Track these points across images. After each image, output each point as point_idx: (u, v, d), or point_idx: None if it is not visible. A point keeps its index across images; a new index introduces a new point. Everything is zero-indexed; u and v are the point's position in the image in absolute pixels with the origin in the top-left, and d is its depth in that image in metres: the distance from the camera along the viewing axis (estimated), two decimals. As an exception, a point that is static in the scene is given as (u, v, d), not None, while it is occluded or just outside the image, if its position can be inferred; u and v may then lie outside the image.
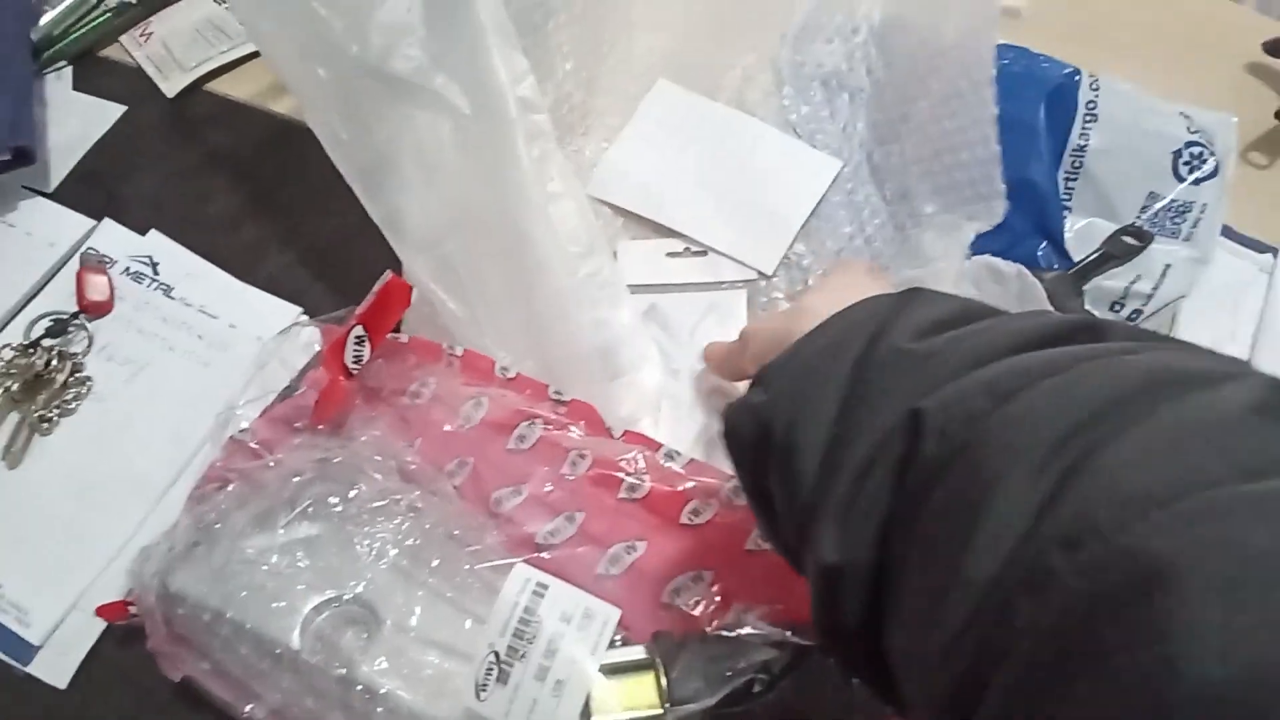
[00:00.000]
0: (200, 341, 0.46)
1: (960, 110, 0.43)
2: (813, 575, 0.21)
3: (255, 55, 0.56)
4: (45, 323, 0.46)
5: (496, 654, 0.27)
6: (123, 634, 0.37)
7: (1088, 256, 0.44)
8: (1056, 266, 0.44)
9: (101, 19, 0.57)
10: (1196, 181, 0.44)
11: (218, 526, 0.35)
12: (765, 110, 0.49)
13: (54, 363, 0.45)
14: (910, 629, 0.19)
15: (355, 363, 0.38)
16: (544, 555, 0.33)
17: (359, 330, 0.38)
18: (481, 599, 0.31)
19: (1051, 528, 0.15)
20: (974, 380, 0.19)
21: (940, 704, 0.17)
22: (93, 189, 0.52)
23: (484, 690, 0.27)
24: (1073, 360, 0.18)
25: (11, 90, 0.51)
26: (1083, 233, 0.45)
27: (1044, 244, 0.45)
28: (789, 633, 0.28)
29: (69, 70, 0.56)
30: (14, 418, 0.43)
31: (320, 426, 0.38)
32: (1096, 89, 0.45)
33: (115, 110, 0.55)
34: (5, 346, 0.45)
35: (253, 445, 0.38)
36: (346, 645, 0.31)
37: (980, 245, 0.43)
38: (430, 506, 0.35)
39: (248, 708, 0.32)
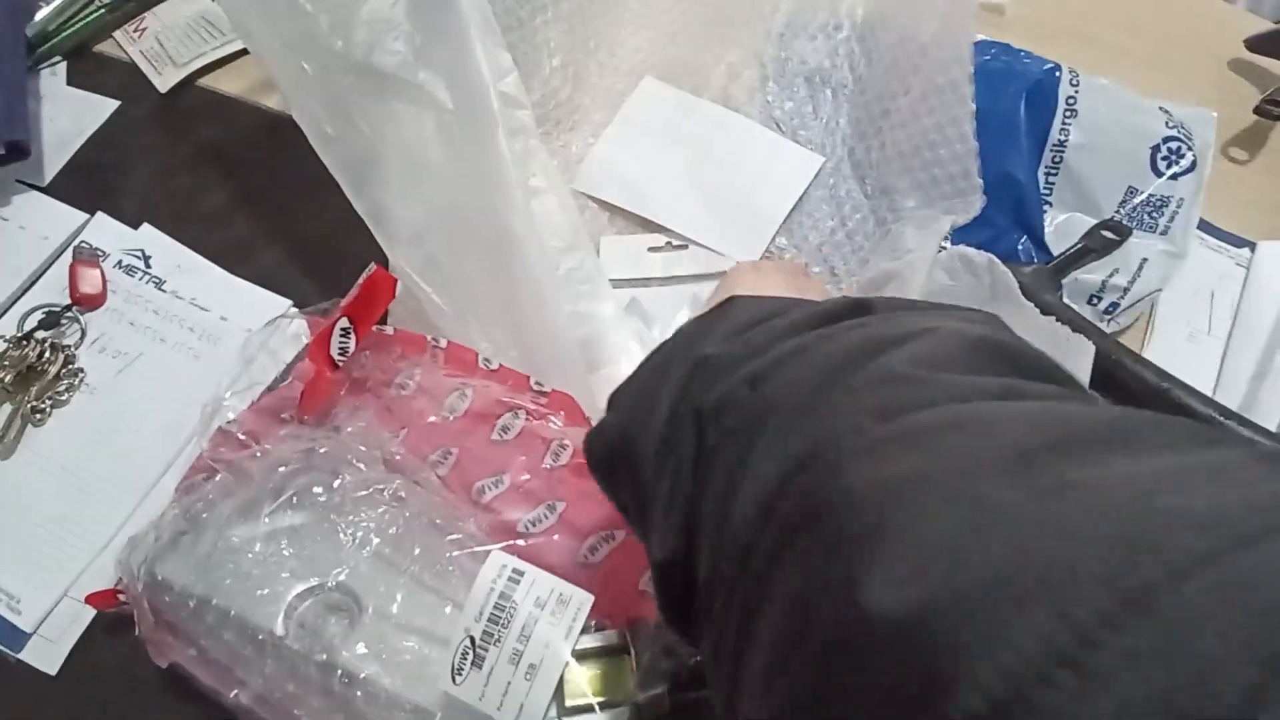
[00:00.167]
0: (191, 334, 0.47)
1: (939, 107, 0.43)
2: (653, 571, 0.23)
3: (247, 51, 0.56)
4: (38, 315, 0.47)
5: (472, 638, 0.28)
6: (112, 622, 0.38)
7: (1066, 250, 0.44)
8: (1036, 260, 0.45)
9: (95, 14, 0.58)
10: (1174, 176, 0.45)
11: (204, 516, 0.35)
12: (750, 106, 0.49)
13: (47, 354, 0.45)
14: (699, 601, 0.20)
15: (341, 354, 0.38)
16: (524, 543, 0.34)
17: (344, 322, 0.38)
18: (461, 586, 0.32)
19: (781, 482, 0.17)
20: (742, 374, 0.21)
21: (709, 662, 0.19)
22: (86, 183, 0.52)
23: (459, 674, 0.28)
24: (812, 342, 0.20)
25: (6, 85, 0.52)
26: (1062, 227, 0.45)
27: (1024, 238, 0.45)
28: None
29: (63, 65, 0.57)
30: (7, 409, 0.44)
31: (306, 417, 0.38)
32: (1076, 85, 0.46)
33: (109, 105, 0.55)
34: (-2, 338, 0.46)
35: (240, 436, 0.38)
36: (329, 632, 0.32)
37: (960, 239, 0.44)
38: (413, 496, 0.36)
39: (232, 693, 0.33)
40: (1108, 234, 0.45)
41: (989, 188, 0.44)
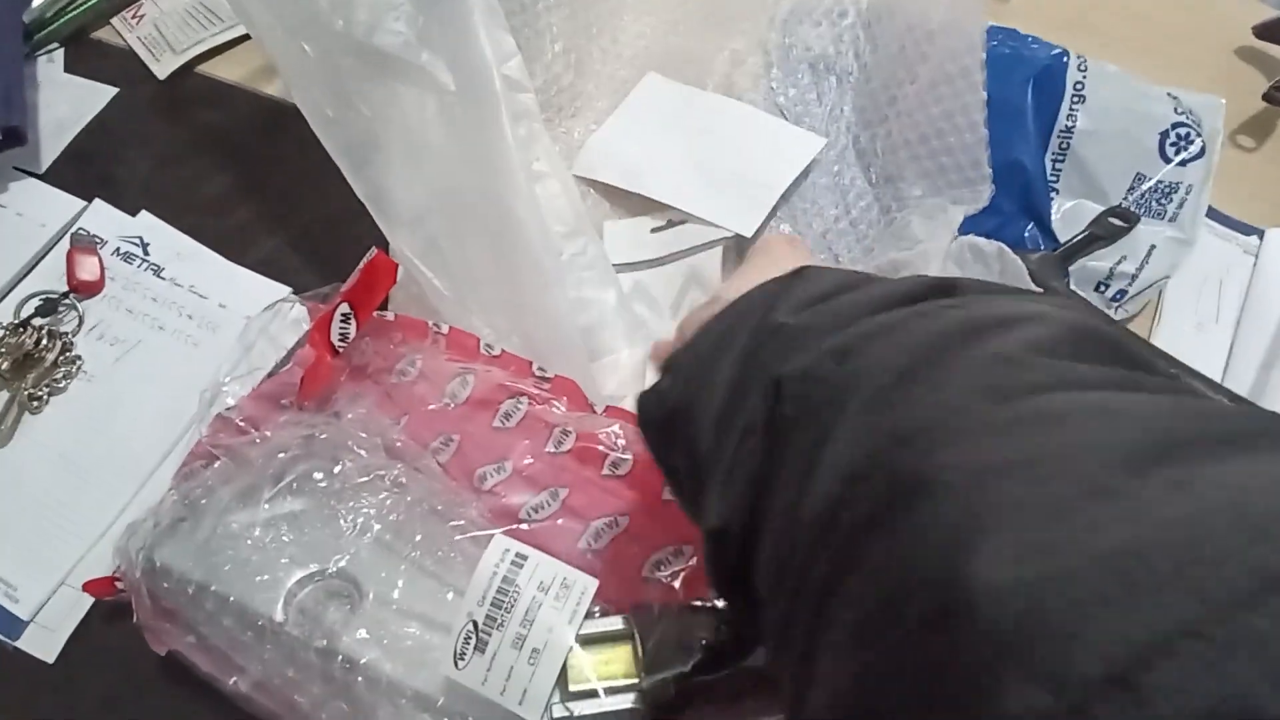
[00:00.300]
0: (190, 321, 0.47)
1: (948, 95, 0.43)
2: (704, 538, 0.23)
3: (246, 38, 0.56)
4: (36, 302, 0.46)
5: (475, 623, 0.28)
6: (110, 609, 0.37)
7: (1074, 237, 0.44)
8: (1043, 247, 0.45)
9: (93, 1, 0.57)
10: (1183, 163, 0.44)
11: (203, 502, 0.35)
12: (754, 93, 0.49)
13: (44, 342, 0.45)
14: (765, 573, 0.20)
15: (341, 340, 0.38)
16: (526, 529, 0.33)
17: (344, 308, 0.38)
18: (463, 572, 0.31)
19: (871, 457, 0.17)
20: (826, 346, 0.20)
21: (776, 635, 0.19)
22: (84, 170, 0.52)
23: (462, 659, 0.27)
24: (903, 320, 0.20)
25: (3, 72, 0.51)
26: (1070, 214, 0.45)
27: (1031, 225, 0.45)
28: (766, 603, 0.29)
29: (60, 52, 0.56)
30: (4, 396, 0.43)
31: (306, 404, 0.38)
32: (1084, 71, 0.45)
33: (107, 92, 0.55)
34: (-5, 326, 0.45)
35: (239, 422, 0.38)
36: (329, 618, 0.32)
37: (968, 227, 0.43)
38: (414, 482, 0.35)
39: (232, 680, 0.33)
40: (1115, 221, 0.44)
41: (996, 175, 0.44)
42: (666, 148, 0.48)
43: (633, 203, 0.47)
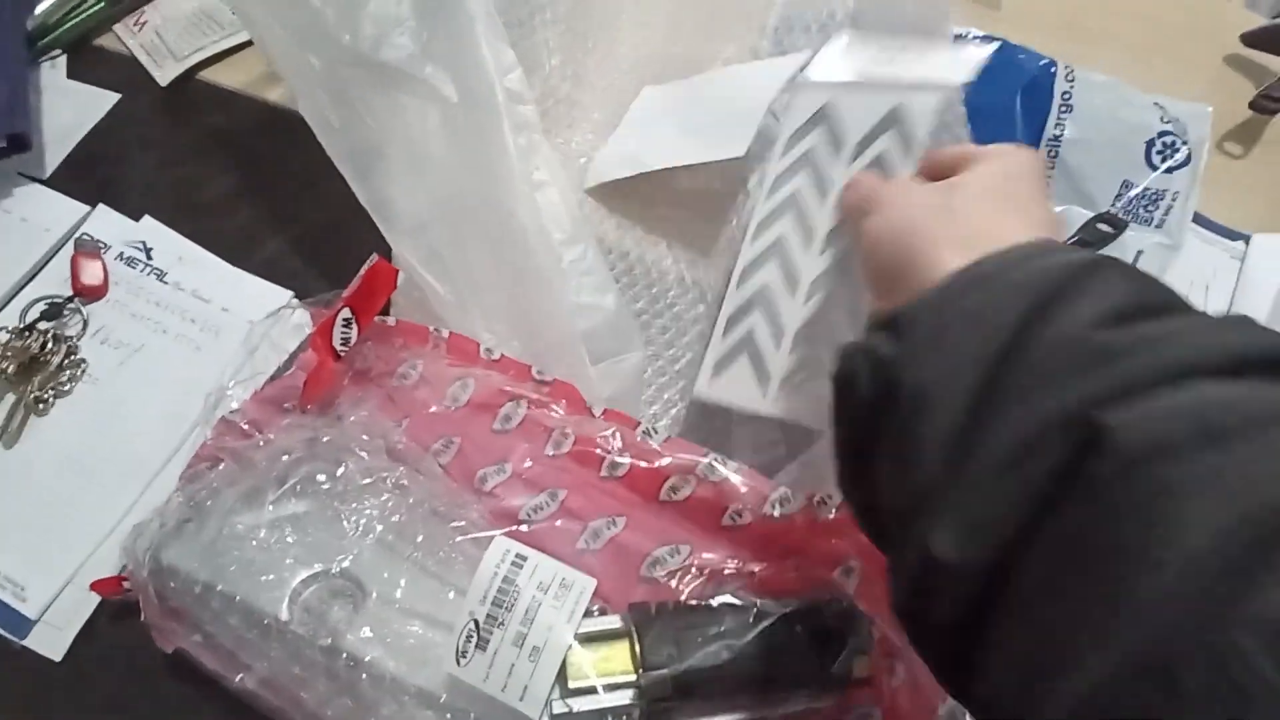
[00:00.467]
0: (193, 325, 0.47)
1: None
2: (908, 562, 0.20)
3: (247, 44, 0.57)
4: (41, 306, 0.47)
5: (476, 622, 0.28)
6: (117, 608, 0.38)
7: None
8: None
9: (96, 8, 0.58)
10: (1169, 170, 0.45)
11: (209, 504, 0.36)
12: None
13: (49, 345, 0.46)
14: (1028, 653, 0.17)
15: (343, 344, 0.39)
16: (526, 529, 0.34)
17: (346, 313, 0.38)
18: (464, 572, 0.32)
19: (1241, 615, 0.14)
20: (1173, 404, 0.16)
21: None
22: (87, 176, 0.52)
23: (464, 656, 0.28)
24: None
25: (7, 78, 0.52)
26: (1059, 220, 0.46)
27: (1021, 232, 0.46)
28: (759, 601, 0.29)
29: (63, 59, 0.57)
30: (10, 399, 0.44)
31: (309, 407, 0.38)
32: (1072, 80, 0.46)
33: (109, 98, 0.55)
34: (1, 329, 0.46)
35: (243, 425, 0.38)
36: (333, 617, 0.32)
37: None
38: (416, 484, 0.36)
39: (238, 677, 0.33)
40: (1103, 227, 0.45)
41: (986, 181, 0.44)
42: (676, 127, 0.47)
43: (630, 205, 0.48)
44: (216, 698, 0.34)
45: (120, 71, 0.56)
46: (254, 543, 0.34)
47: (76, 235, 0.50)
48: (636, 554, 0.34)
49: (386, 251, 0.41)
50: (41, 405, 0.44)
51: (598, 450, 0.35)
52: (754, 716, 0.29)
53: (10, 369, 0.45)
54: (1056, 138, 0.46)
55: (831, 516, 0.32)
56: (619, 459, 0.34)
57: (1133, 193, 0.45)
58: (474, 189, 0.39)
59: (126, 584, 0.36)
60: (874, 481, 0.23)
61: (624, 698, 0.28)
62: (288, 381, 0.40)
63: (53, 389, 0.45)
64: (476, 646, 0.28)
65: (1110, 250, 0.45)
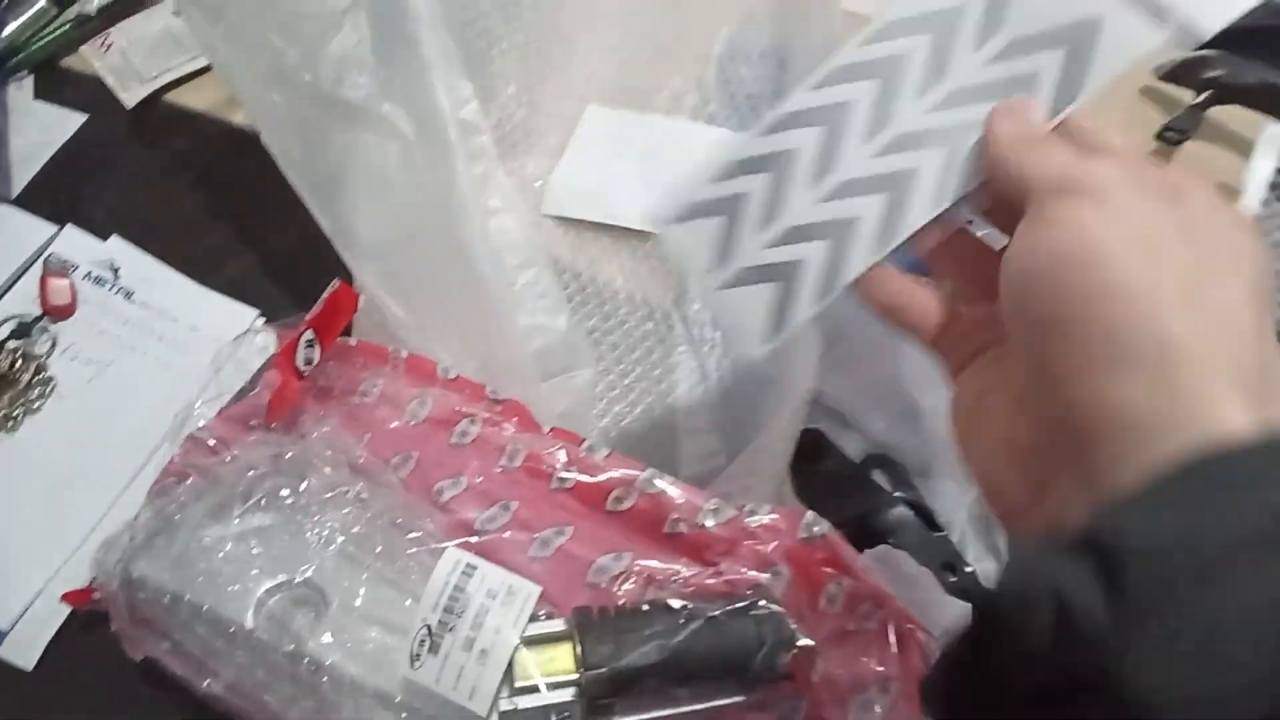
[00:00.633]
0: (161, 343, 0.49)
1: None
2: None
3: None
4: (10, 325, 0.48)
5: (429, 627, 0.31)
6: (87, 619, 0.40)
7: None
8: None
9: (62, 29, 0.59)
10: (1082, 199, 0.49)
11: (177, 518, 0.38)
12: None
13: (18, 364, 0.47)
14: None
15: (306, 364, 0.41)
16: (479, 539, 0.37)
17: (309, 334, 0.41)
18: (420, 581, 0.34)
19: None
20: None
21: None
22: (54, 196, 0.54)
23: (417, 659, 0.30)
24: None
25: (-27, 101, 0.53)
26: (987, 241, 0.49)
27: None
28: (691, 604, 0.32)
29: (30, 79, 0.58)
30: (-20, 416, 0.46)
31: (274, 424, 0.40)
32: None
33: (76, 119, 0.57)
34: (-30, 349, 0.47)
35: (210, 442, 0.40)
36: (296, 624, 0.34)
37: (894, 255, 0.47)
38: (376, 497, 0.38)
39: (205, 683, 0.35)
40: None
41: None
42: (623, 173, 0.51)
43: (584, 226, 0.51)
44: (184, 703, 0.36)
45: (87, 93, 0.58)
46: (221, 554, 0.36)
47: (44, 255, 0.51)
48: (583, 561, 0.36)
49: (348, 276, 0.44)
50: (10, 422, 0.46)
51: (544, 466, 0.37)
52: (687, 710, 0.32)
53: (-20, 387, 0.46)
54: None
55: (758, 525, 0.34)
56: (564, 474, 0.37)
57: (1049, 219, 0.49)
58: (431, 218, 0.41)
59: (97, 595, 0.38)
60: None
61: (566, 695, 0.30)
62: (253, 400, 0.42)
63: (22, 406, 0.46)
64: (429, 650, 0.30)
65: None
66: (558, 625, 0.32)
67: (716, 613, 0.32)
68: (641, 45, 0.52)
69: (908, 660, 0.33)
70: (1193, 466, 0.15)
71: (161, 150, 0.56)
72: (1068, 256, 0.20)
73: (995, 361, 0.26)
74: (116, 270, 0.52)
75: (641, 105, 0.53)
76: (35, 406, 0.47)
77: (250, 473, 0.38)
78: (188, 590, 0.35)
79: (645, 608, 0.32)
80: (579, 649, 0.31)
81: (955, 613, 0.37)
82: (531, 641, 0.31)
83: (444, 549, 0.34)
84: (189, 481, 0.39)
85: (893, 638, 0.33)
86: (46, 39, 0.59)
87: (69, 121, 0.57)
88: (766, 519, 0.35)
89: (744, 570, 0.35)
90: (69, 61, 0.59)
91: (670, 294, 0.49)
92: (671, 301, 0.48)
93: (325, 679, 0.32)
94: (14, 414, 0.46)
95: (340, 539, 0.37)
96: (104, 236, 0.52)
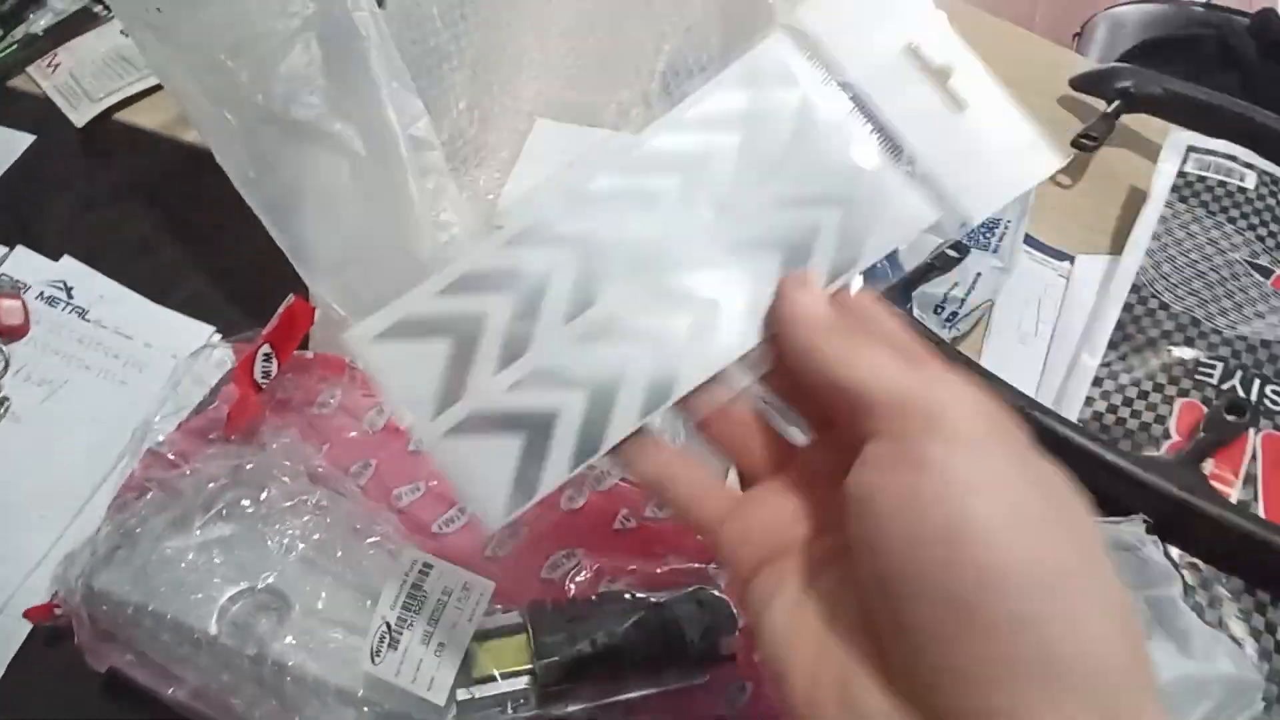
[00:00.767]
0: (116, 361, 0.49)
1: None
2: None
3: (163, 86, 0.59)
4: (-39, 348, 0.48)
5: (388, 624, 0.32)
6: (48, 634, 0.40)
7: (914, 268, 0.51)
8: (892, 276, 0.52)
9: (9, 50, 0.59)
10: (1003, 203, 0.52)
11: (138, 531, 0.38)
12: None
13: (-29, 386, 0.47)
14: None
15: (264, 377, 0.42)
16: (437, 542, 0.38)
17: (266, 348, 0.42)
18: (380, 582, 0.36)
19: None
20: None
21: None
22: (3, 217, 0.54)
23: (378, 655, 0.32)
24: None
25: (-82, 122, 0.53)
26: (913, 247, 0.52)
27: (883, 259, 0.52)
28: (638, 594, 0.34)
29: (-25, 101, 0.58)
30: (-67, 439, 0.46)
31: (233, 437, 0.41)
32: (920, 124, 0.52)
33: (24, 140, 0.57)
34: (-79, 371, 0.47)
35: (169, 456, 0.41)
36: (259, 629, 0.35)
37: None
38: (335, 504, 0.39)
39: (170, 690, 0.36)
40: (950, 252, 0.52)
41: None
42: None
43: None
44: (149, 715, 0.37)
45: (35, 113, 0.58)
46: (183, 565, 0.37)
47: (-5, 276, 0.51)
48: (538, 558, 0.38)
49: (304, 290, 0.45)
50: (-35, 444, 0.46)
51: (499, 467, 0.39)
52: (638, 695, 0.34)
53: (-68, 410, 0.46)
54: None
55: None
56: (519, 474, 0.39)
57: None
58: (384, 233, 0.43)
59: (59, 610, 0.38)
60: None
61: (521, 684, 0.32)
62: (212, 414, 0.43)
63: (-24, 427, 0.46)
64: (389, 646, 0.32)
65: (954, 273, 0.51)
66: (513, 618, 0.34)
67: (662, 600, 0.34)
68: (588, 61, 0.54)
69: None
70: None
71: (113, 169, 0.57)
72: (941, 525, 0.18)
73: (812, 578, 0.22)
74: (70, 290, 0.52)
75: (590, 119, 0.55)
76: (-11, 427, 0.47)
77: (210, 484, 0.39)
78: (151, 600, 0.36)
79: (595, 598, 0.34)
80: (532, 640, 0.33)
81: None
82: (487, 634, 0.33)
83: (402, 549, 0.35)
84: (149, 495, 0.40)
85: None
86: (-9, 60, 0.59)
87: (17, 142, 0.57)
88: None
89: (689, 561, 0.37)
90: (16, 82, 0.59)
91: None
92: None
93: (289, 679, 0.34)
94: (-32, 435, 0.46)
95: (301, 545, 0.38)
96: (55, 257, 0.53)
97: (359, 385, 0.43)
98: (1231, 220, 0.52)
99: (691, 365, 0.24)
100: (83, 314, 0.51)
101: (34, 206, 0.55)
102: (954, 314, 0.50)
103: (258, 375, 0.42)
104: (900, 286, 0.51)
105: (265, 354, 0.42)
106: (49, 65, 0.60)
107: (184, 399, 0.44)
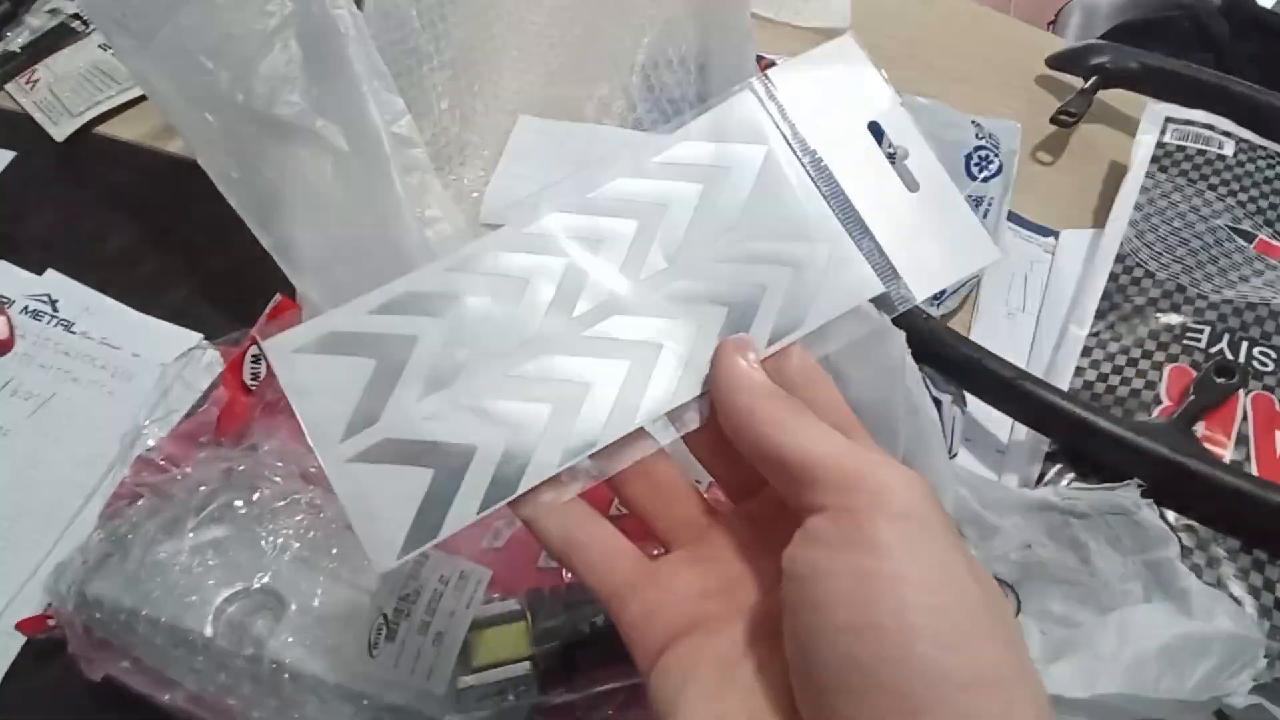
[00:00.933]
0: (104, 371, 0.49)
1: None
2: None
3: (143, 98, 0.59)
4: (-54, 364, 0.48)
5: (385, 616, 0.32)
6: (41, 647, 0.40)
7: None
8: (878, 258, 0.52)
9: (-15, 69, 0.59)
10: (985, 179, 0.53)
11: (129, 537, 0.38)
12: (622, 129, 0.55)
13: (-43, 402, 0.47)
14: None
15: (253, 379, 0.42)
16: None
17: (255, 349, 0.41)
18: (375, 578, 0.35)
19: None
20: None
21: None
22: (-15, 234, 0.53)
23: (375, 648, 0.31)
24: None
25: (-104, 142, 0.53)
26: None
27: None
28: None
29: (-46, 120, 0.58)
30: (-81, 456, 0.45)
31: (223, 440, 0.41)
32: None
33: (4, 156, 0.57)
34: (-94, 389, 0.47)
35: (160, 461, 0.41)
36: (255, 629, 0.35)
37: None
38: (328, 502, 0.39)
39: (167, 696, 0.36)
40: (935, 232, 0.52)
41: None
42: (541, 171, 0.53)
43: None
44: (147, 719, 0.36)
45: (15, 129, 0.58)
46: (176, 568, 0.36)
47: (-22, 292, 0.51)
48: (534, 547, 0.38)
49: (290, 290, 0.45)
50: (-48, 460, 0.45)
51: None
52: (636, 680, 0.33)
53: (-82, 427, 0.46)
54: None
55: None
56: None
57: (957, 201, 0.52)
58: (369, 229, 0.42)
59: (51, 621, 0.38)
60: None
61: (520, 669, 0.32)
62: (202, 417, 0.43)
63: (-37, 443, 0.46)
64: (385, 638, 0.32)
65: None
66: (511, 606, 0.34)
67: (661, 580, 0.34)
68: (568, 57, 0.54)
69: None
70: None
71: (95, 183, 0.57)
72: (892, 616, 0.18)
73: (731, 665, 0.21)
74: (54, 303, 0.51)
75: (571, 114, 0.55)
76: (-23, 443, 0.46)
77: (202, 488, 0.39)
78: (145, 605, 0.36)
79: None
80: (531, 626, 0.33)
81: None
82: (486, 622, 0.33)
83: (397, 542, 0.35)
84: (140, 501, 0.40)
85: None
86: (-31, 79, 0.59)
87: (-3, 159, 0.57)
88: (706, 495, 0.36)
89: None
90: (-6, 100, 0.59)
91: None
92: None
93: (286, 676, 0.33)
94: (-45, 452, 0.46)
95: (295, 545, 0.37)
96: (39, 271, 0.52)
97: (349, 383, 0.43)
98: (1212, 187, 0.52)
99: (621, 414, 0.23)
100: (68, 327, 0.51)
101: (16, 221, 0.54)
102: (942, 290, 0.50)
103: (246, 377, 0.42)
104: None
105: (254, 355, 0.42)
106: (27, 82, 0.60)
107: (174, 403, 0.44)
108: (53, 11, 0.63)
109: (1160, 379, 0.45)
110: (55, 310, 0.51)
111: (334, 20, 0.40)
